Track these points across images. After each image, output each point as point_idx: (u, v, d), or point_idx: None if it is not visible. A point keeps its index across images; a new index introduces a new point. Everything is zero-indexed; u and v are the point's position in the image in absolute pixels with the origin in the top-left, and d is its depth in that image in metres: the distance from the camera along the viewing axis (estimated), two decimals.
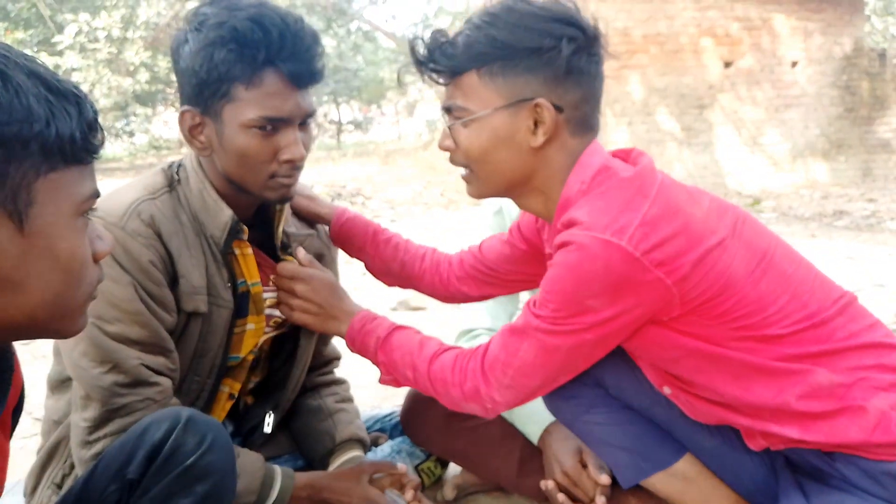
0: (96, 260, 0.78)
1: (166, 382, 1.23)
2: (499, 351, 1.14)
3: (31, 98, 0.67)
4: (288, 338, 1.50)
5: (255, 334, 1.40)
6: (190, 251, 1.26)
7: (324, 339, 1.61)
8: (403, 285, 1.59)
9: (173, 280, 1.25)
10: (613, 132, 9.55)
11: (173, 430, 1.01)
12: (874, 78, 10.52)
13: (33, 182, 0.68)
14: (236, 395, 1.45)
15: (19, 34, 13.01)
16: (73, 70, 12.82)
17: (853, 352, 1.09)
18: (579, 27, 1.11)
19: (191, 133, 1.25)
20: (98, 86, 12.97)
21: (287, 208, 1.41)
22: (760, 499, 1.27)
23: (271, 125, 1.20)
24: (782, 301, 1.07)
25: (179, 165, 1.34)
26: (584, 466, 1.50)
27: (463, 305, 1.95)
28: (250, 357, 1.42)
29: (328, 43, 17.35)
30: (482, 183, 1.20)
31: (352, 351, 1.34)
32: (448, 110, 1.18)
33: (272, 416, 1.50)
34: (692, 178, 9.82)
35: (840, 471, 1.10)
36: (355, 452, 1.53)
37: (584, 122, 1.15)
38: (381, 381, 1.31)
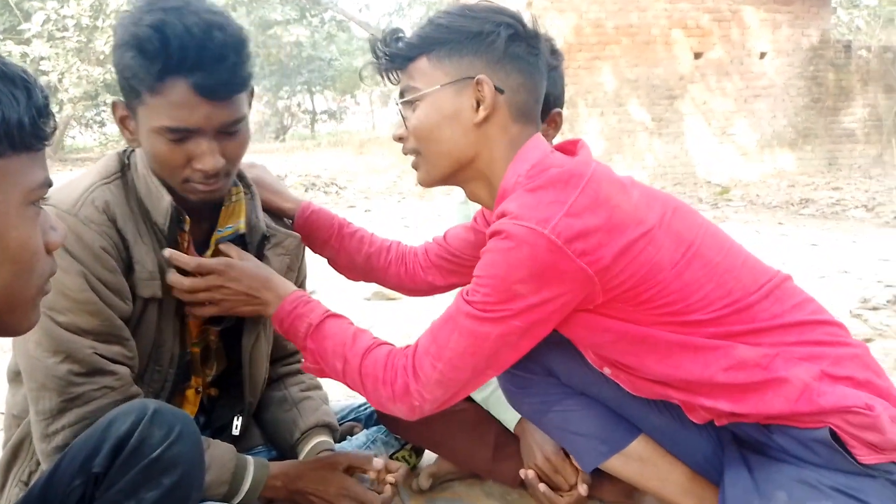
0: (49, 251, 0.75)
1: (123, 370, 1.20)
2: (429, 344, 1.15)
3: None
4: (237, 330, 1.45)
5: (194, 325, 1.38)
6: (142, 237, 1.24)
7: None
8: (368, 279, 1.60)
9: (128, 267, 1.23)
10: (585, 122, 9.64)
11: (139, 422, 0.99)
12: (840, 69, 10.71)
13: None
14: (201, 389, 1.44)
15: None
16: (42, 59, 12.58)
17: (775, 330, 1.13)
18: (517, 20, 1.21)
19: (121, 123, 1.23)
20: (67, 75, 12.75)
21: (256, 204, 1.40)
22: (711, 472, 1.32)
23: (179, 135, 1.15)
24: (707, 289, 1.11)
25: (132, 150, 1.31)
26: (567, 454, 1.51)
27: (438, 296, 2.00)
28: (196, 350, 1.40)
29: (301, 32, 17.21)
30: (430, 165, 1.24)
31: (279, 333, 1.33)
32: (401, 96, 1.24)
33: (240, 419, 1.48)
34: (662, 168, 9.96)
35: (777, 441, 1.15)
36: (322, 438, 1.52)
37: (525, 110, 1.21)
38: (304, 368, 1.31)
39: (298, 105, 22.00)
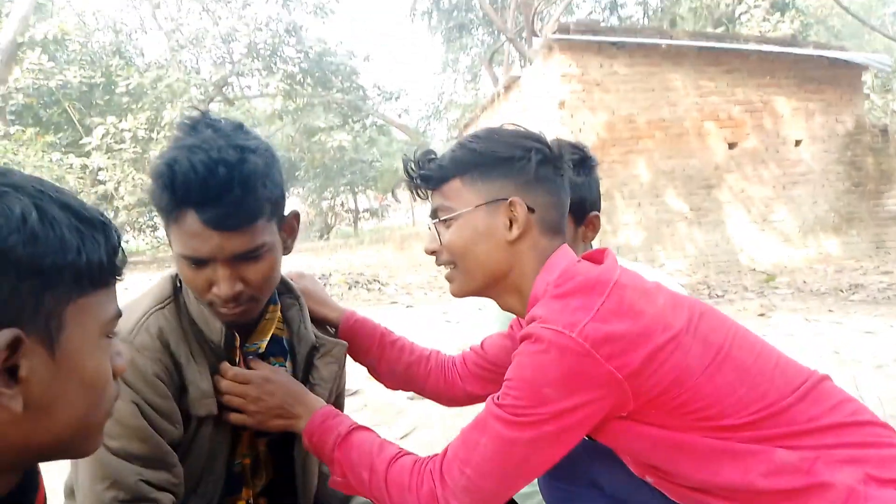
0: (115, 376, 0.79)
1: (167, 498, 1.22)
2: (458, 447, 1.16)
3: (64, 229, 0.70)
4: (286, 440, 1.46)
5: (246, 436, 1.41)
6: (195, 358, 1.29)
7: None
8: (407, 388, 1.63)
9: (181, 388, 1.27)
10: (623, 214, 9.67)
11: None
12: (878, 153, 10.64)
13: (65, 308, 0.70)
14: (251, 501, 1.45)
15: (49, 137, 13.50)
16: (100, 169, 13.21)
17: (814, 433, 1.11)
18: (546, 145, 1.29)
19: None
20: (123, 184, 13.34)
21: (304, 315, 1.46)
22: None
23: (195, 262, 1.21)
24: (740, 393, 1.11)
25: None
26: None
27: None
28: (247, 461, 1.42)
29: (344, 137, 17.86)
30: (464, 278, 1.30)
31: (307, 448, 1.35)
32: (434, 214, 1.31)
33: None
34: (704, 256, 9.86)
35: None
36: None
37: (553, 225, 1.28)
38: (332, 483, 1.32)
39: (342, 205, 22.58)
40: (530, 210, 1.26)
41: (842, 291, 7.78)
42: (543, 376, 1.09)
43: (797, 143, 10.31)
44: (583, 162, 1.70)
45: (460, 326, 6.12)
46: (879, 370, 4.22)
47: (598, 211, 1.66)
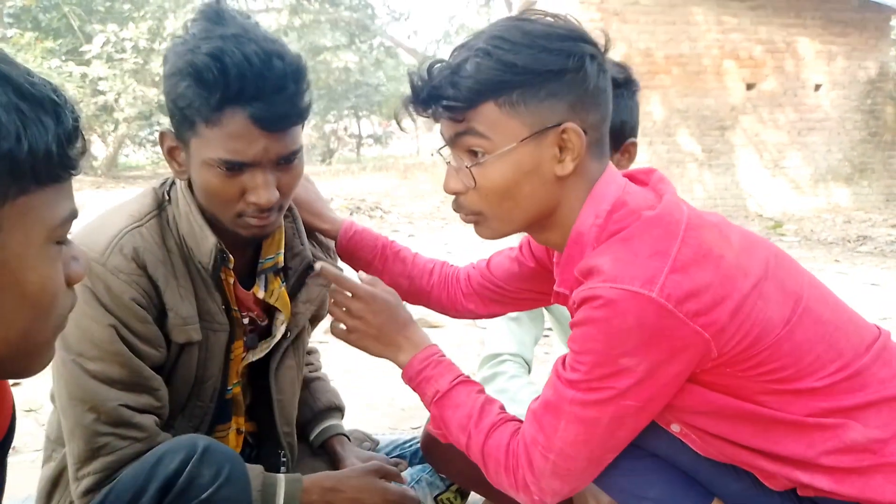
0: (70, 284, 0.68)
1: (149, 421, 1.17)
2: (535, 433, 1.04)
3: (0, 109, 0.57)
4: (263, 368, 1.41)
5: (236, 363, 1.35)
6: (178, 279, 1.21)
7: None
8: (411, 301, 1.51)
9: (161, 313, 1.19)
10: None
11: (188, 460, 0.95)
12: None
13: None
14: (242, 430, 1.42)
15: (49, 43, 13.20)
16: (100, 79, 12.98)
17: (888, 403, 1.01)
18: (594, 44, 1.03)
19: (169, 155, 1.19)
20: (124, 95, 13.13)
21: (300, 229, 1.37)
22: None
23: (235, 168, 1.11)
24: (818, 350, 0.99)
25: (172, 183, 1.26)
26: None
27: (488, 327, 1.91)
28: (237, 390, 1.37)
29: (350, 58, 17.53)
30: (500, 222, 1.09)
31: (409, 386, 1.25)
32: (457, 144, 1.06)
33: (287, 458, 1.44)
34: (713, 200, 9.77)
35: None
36: (333, 421, 1.55)
37: (601, 144, 1.07)
38: (429, 429, 1.25)
39: (345, 129, 22.29)
40: (584, 133, 1.02)
41: (849, 242, 7.75)
42: (619, 346, 0.94)
43: (817, 87, 10.11)
44: (627, 83, 1.55)
45: (461, 257, 6.06)
46: (884, 322, 4.18)
47: (636, 138, 1.52)
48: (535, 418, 1.05)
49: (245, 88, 1.06)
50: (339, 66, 18.12)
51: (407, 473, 1.66)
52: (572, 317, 1.01)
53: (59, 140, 0.61)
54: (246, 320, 1.33)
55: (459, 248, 6.66)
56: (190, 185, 1.23)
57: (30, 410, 2.68)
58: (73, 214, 0.66)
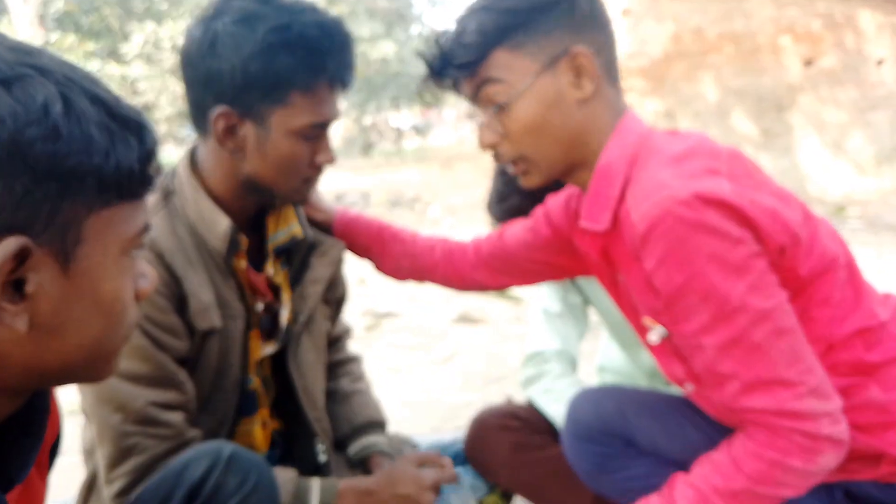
0: (138, 299, 0.73)
1: (177, 417, 1.20)
2: (765, 395, 0.98)
3: (92, 127, 0.61)
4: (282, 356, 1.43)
5: (255, 352, 1.36)
6: (193, 267, 1.23)
7: (333, 318, 1.57)
8: (416, 279, 1.55)
9: (182, 302, 1.22)
10: None
11: (214, 467, 0.99)
12: None
13: (84, 219, 0.63)
14: (268, 422, 1.43)
15: (90, 45, 13.48)
16: (140, 79, 13.21)
17: None
18: None
19: (226, 133, 1.20)
20: (164, 94, 13.32)
21: (300, 210, 1.41)
22: None
23: (316, 131, 1.21)
24: (848, 293, 1.05)
25: (174, 174, 1.30)
26: None
27: (530, 322, 1.88)
28: (258, 381, 1.38)
29: (389, 48, 17.56)
30: (543, 163, 1.14)
31: None
32: (480, 101, 1.13)
33: (322, 444, 1.44)
34: None
35: None
36: (374, 437, 1.53)
37: (613, 66, 1.13)
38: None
39: (385, 121, 22.30)
40: (595, 54, 1.09)
41: None
42: (728, 243, 0.94)
43: (879, 62, 9.74)
44: None
45: None
46: None
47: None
48: (751, 387, 0.99)
49: (342, 55, 1.19)
50: (377, 56, 18.16)
51: None
52: (641, 246, 0.99)
53: (141, 159, 0.66)
54: (260, 307, 1.34)
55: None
56: (195, 172, 1.26)
57: (73, 412, 2.63)
58: (147, 228, 0.71)
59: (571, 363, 1.81)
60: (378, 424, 1.56)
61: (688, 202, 0.93)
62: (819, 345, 1.02)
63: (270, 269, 1.34)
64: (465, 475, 1.64)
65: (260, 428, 1.39)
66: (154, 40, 13.33)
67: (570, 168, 1.15)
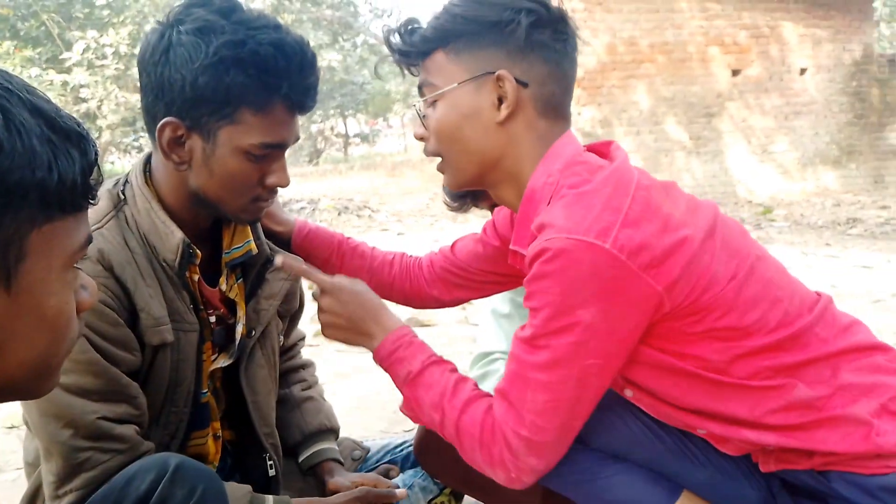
0: (79, 312, 0.70)
1: (129, 432, 1.14)
2: (505, 410, 1.05)
3: (34, 139, 0.59)
4: (235, 371, 1.38)
5: (207, 364, 1.32)
6: (145, 280, 1.17)
7: (289, 328, 1.53)
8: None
9: (132, 315, 1.16)
10: (621, 141, 9.47)
11: (160, 480, 0.93)
12: (884, 84, 10.45)
13: (27, 235, 0.61)
14: (219, 435, 1.38)
15: (28, 52, 13.07)
16: (82, 86, 12.86)
17: (830, 359, 1.05)
18: (541, 3, 1.12)
19: (169, 147, 1.16)
20: (106, 102, 13.01)
21: (256, 225, 1.36)
22: None
23: (267, 151, 1.16)
24: (763, 307, 1.03)
25: (125, 183, 1.25)
26: None
27: (479, 325, 1.90)
28: (209, 393, 1.34)
29: (334, 57, 17.48)
30: (455, 168, 1.17)
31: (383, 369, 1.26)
32: (420, 93, 1.18)
33: (273, 460, 1.41)
34: (701, 188, 9.76)
35: (837, 490, 1.05)
36: (325, 445, 1.50)
37: (553, 103, 1.13)
38: (402, 409, 1.24)
39: (331, 129, 22.20)
40: (522, 84, 1.09)
41: (839, 225, 7.77)
42: (575, 295, 0.96)
43: (802, 71, 10.12)
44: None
45: None
46: (877, 305, 4.20)
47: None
48: (502, 395, 1.06)
49: (302, 76, 1.14)
50: (322, 65, 18.07)
51: (399, 479, 1.62)
52: (527, 271, 1.03)
53: (83, 171, 0.64)
54: (213, 319, 1.30)
55: (449, 243, 6.62)
56: (147, 181, 1.22)
57: (11, 427, 2.63)
58: (89, 240, 0.69)
59: None
60: (329, 431, 1.53)
61: (561, 252, 0.95)
62: (725, 355, 1.03)
63: (224, 284, 1.30)
64: (415, 477, 1.62)
65: (211, 440, 1.35)
66: (96, 48, 13.04)
67: (482, 181, 1.17)
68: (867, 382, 1.04)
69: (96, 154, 0.67)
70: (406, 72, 1.20)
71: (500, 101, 1.10)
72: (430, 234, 7.71)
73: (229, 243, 1.31)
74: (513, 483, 1.09)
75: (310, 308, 1.52)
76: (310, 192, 10.74)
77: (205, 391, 1.31)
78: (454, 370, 1.18)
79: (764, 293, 1.04)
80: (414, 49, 1.15)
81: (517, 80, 1.09)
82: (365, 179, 12.57)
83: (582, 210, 0.98)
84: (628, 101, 9.45)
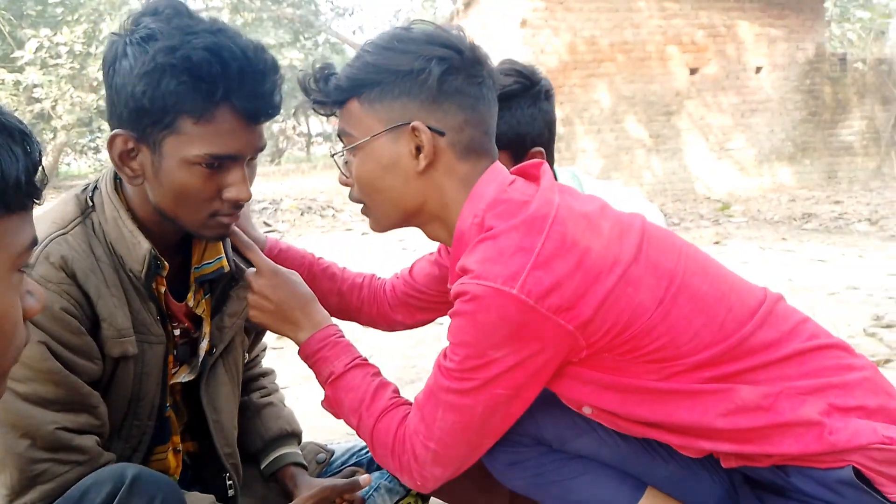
0: (26, 318, 0.68)
1: (89, 443, 1.10)
2: (418, 422, 1.09)
3: None
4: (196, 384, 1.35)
5: (169, 378, 1.29)
6: (110, 289, 1.13)
7: (254, 342, 1.51)
8: (341, 318, 1.50)
9: (94, 324, 1.12)
10: (582, 140, 9.60)
11: (117, 492, 0.91)
12: (836, 82, 10.73)
13: None
14: (180, 449, 1.35)
15: None
16: (35, 86, 12.57)
17: (775, 364, 1.05)
18: (454, 49, 1.09)
19: (121, 159, 1.11)
20: (61, 102, 12.72)
21: (226, 241, 1.32)
22: None
23: (218, 162, 1.09)
24: (696, 326, 1.02)
25: (95, 189, 1.21)
26: None
27: (444, 324, 1.90)
28: (171, 408, 1.31)
29: (295, 56, 17.35)
30: (378, 214, 1.17)
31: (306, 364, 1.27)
32: (340, 139, 1.16)
33: (232, 480, 1.38)
34: (661, 185, 9.91)
35: (796, 485, 1.06)
36: (286, 449, 1.47)
37: (473, 147, 1.11)
38: (323, 405, 1.25)
39: (293, 128, 22.02)
40: (439, 133, 1.08)
41: (795, 220, 7.94)
42: (487, 339, 1.00)
43: (758, 70, 10.33)
44: (525, 91, 1.51)
45: (417, 254, 6.01)
46: (832, 297, 4.30)
47: (547, 146, 1.49)
48: (418, 407, 1.09)
49: (243, 83, 1.06)
50: (284, 63, 17.92)
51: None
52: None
53: (27, 170, 0.62)
54: (177, 332, 1.27)
55: (414, 245, 6.61)
56: (117, 189, 1.18)
57: None
58: (35, 241, 0.67)
59: None
60: (291, 435, 1.51)
61: (474, 297, 0.98)
62: (664, 372, 1.04)
63: (192, 299, 1.27)
64: (381, 479, 1.60)
65: (171, 455, 1.32)
66: (49, 46, 12.73)
67: (407, 224, 1.18)
68: (814, 384, 1.05)
69: (40, 154, 0.65)
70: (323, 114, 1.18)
71: (419, 149, 1.08)
72: (395, 233, 7.68)
73: (200, 258, 1.27)
74: (418, 488, 1.14)
75: None
76: (272, 192, 10.62)
77: (168, 405, 1.28)
78: (377, 374, 1.20)
79: (698, 309, 1.03)
80: (329, 99, 1.12)
81: (433, 129, 1.07)
82: (328, 179, 12.45)
83: (494, 254, 0.99)
84: (589, 100, 9.56)
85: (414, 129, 1.07)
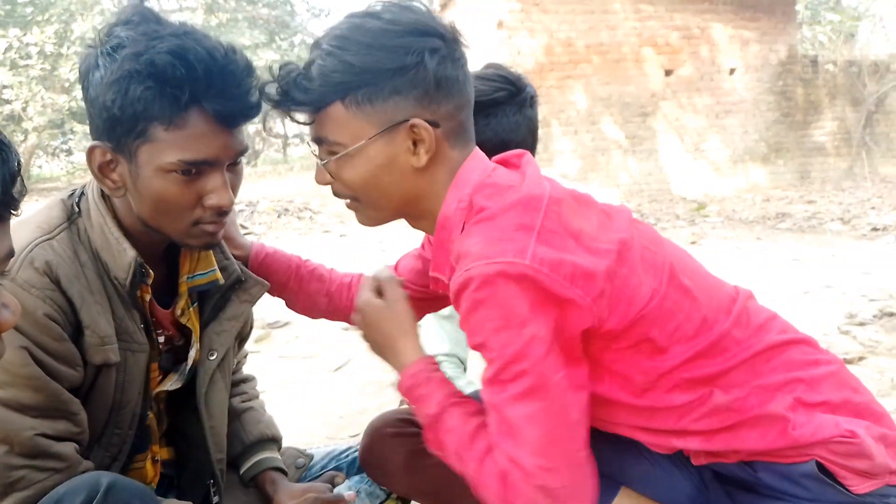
0: (0, 331, 0.67)
1: (68, 450, 1.08)
2: (508, 464, 0.98)
3: None
4: (184, 392, 1.33)
5: (154, 386, 1.28)
6: (94, 296, 1.12)
7: (238, 350, 1.50)
8: (332, 318, 1.49)
9: (77, 331, 1.11)
10: (559, 141, 9.64)
11: (92, 499, 0.89)
12: (808, 84, 10.88)
13: None
14: (158, 458, 1.34)
15: None
16: (5, 87, 12.39)
17: (746, 363, 1.05)
18: (438, 35, 1.05)
19: (101, 171, 1.10)
20: (32, 103, 12.54)
21: (223, 245, 1.31)
22: None
23: (195, 169, 1.07)
24: (679, 318, 1.02)
25: (82, 194, 1.19)
26: None
27: (421, 326, 1.89)
28: (152, 416, 1.29)
29: (271, 56, 17.24)
30: (371, 210, 1.12)
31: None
32: (317, 143, 1.09)
33: (215, 487, 1.36)
34: (637, 185, 9.98)
35: (763, 479, 1.08)
36: (266, 454, 1.46)
37: (460, 131, 1.09)
38: (427, 444, 1.19)
39: (270, 129, 21.89)
40: (434, 125, 1.04)
41: (769, 220, 8.04)
42: (516, 315, 0.93)
43: (731, 71, 10.44)
44: (511, 98, 1.51)
45: (396, 255, 5.99)
46: (806, 296, 4.35)
47: (530, 151, 1.50)
48: (500, 452, 0.98)
49: (211, 85, 1.03)
50: (259, 64, 17.77)
51: (345, 485, 1.60)
52: (455, 307, 1.01)
53: (3, 181, 0.61)
54: (161, 339, 1.26)
55: (394, 246, 6.59)
56: (103, 196, 1.17)
57: None
58: (11, 253, 0.65)
59: (462, 364, 1.79)
60: (271, 440, 1.50)
61: (486, 278, 0.93)
62: (649, 375, 1.03)
63: (179, 309, 1.26)
64: (362, 483, 1.59)
65: (149, 464, 1.31)
66: (19, 46, 12.53)
67: (402, 216, 1.14)
68: (781, 379, 1.06)
69: (19, 164, 0.63)
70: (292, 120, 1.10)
71: (415, 143, 1.04)
72: (374, 234, 7.66)
73: (193, 268, 1.26)
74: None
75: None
76: (248, 194, 10.54)
77: (148, 413, 1.27)
78: (473, 411, 1.09)
79: (681, 303, 1.03)
80: (306, 104, 1.05)
81: (430, 122, 1.03)
82: (305, 180, 12.36)
83: (496, 233, 0.96)
84: (566, 101, 9.60)
85: (413, 125, 1.03)
